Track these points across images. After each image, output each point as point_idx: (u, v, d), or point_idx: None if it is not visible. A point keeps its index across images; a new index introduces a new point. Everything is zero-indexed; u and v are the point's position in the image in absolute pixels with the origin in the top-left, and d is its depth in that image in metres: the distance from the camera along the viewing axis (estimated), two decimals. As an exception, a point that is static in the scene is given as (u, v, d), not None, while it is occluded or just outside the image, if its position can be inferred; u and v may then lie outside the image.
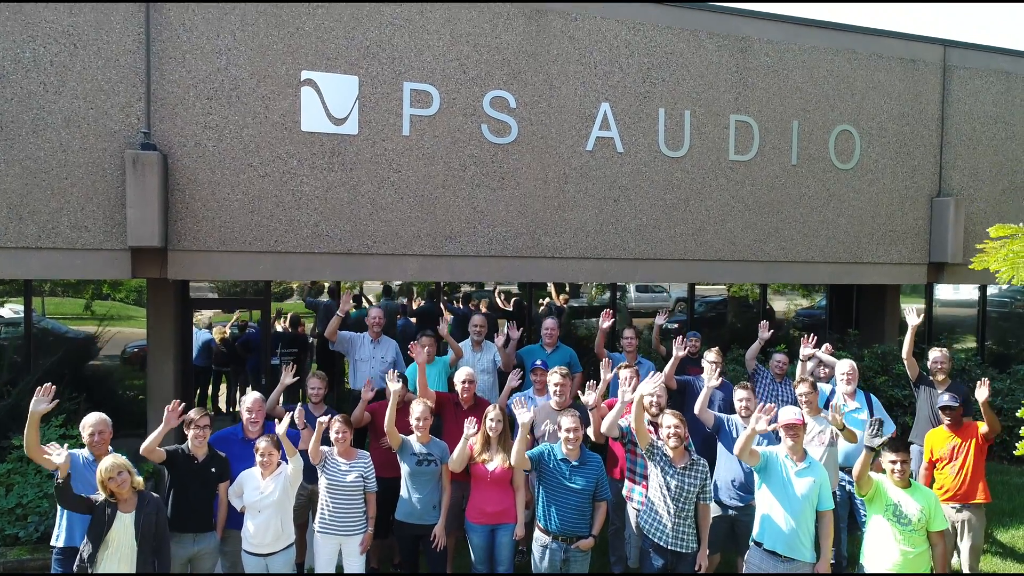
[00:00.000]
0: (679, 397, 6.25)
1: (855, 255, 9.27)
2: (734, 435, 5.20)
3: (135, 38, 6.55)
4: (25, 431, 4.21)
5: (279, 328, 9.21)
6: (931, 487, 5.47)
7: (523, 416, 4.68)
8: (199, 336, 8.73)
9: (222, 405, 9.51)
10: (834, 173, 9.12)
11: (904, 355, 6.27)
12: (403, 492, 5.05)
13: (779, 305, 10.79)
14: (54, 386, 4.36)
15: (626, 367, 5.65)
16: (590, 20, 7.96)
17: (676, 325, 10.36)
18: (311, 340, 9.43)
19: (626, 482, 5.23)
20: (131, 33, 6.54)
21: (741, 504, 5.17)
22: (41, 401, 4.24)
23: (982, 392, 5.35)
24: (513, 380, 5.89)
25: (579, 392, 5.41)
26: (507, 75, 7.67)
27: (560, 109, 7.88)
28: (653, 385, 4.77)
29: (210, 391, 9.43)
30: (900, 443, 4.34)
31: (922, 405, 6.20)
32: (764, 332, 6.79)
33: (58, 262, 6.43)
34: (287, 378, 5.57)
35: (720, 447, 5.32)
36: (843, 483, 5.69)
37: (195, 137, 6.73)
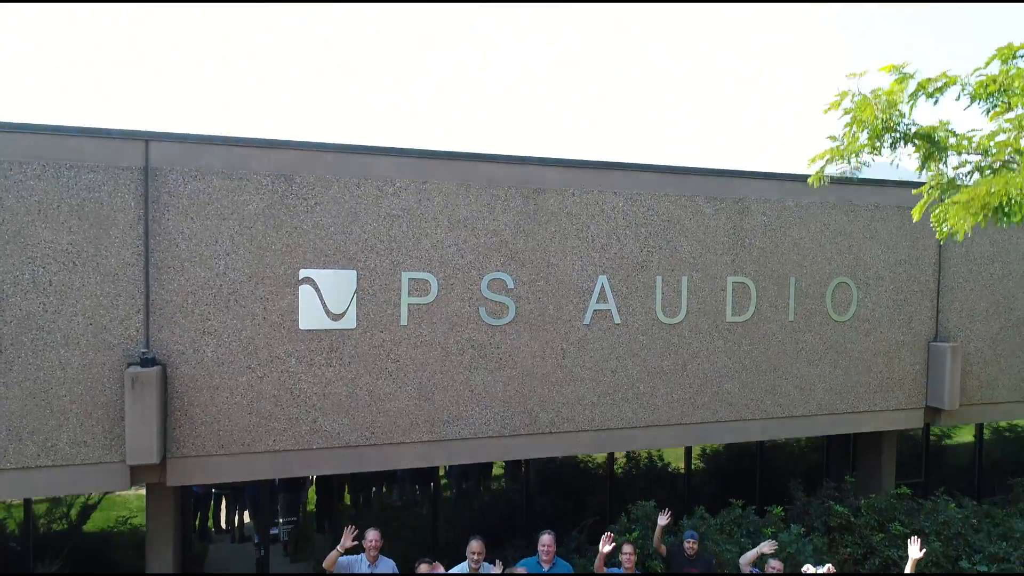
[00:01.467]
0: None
1: (852, 405, 9.30)
2: None
3: (134, 251, 6.57)
4: None
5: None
6: None
7: None
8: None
9: (223, 524, 9.59)
10: (831, 326, 9.14)
11: None
12: None
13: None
14: None
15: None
16: (587, 195, 7.99)
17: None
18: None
19: None
20: (130, 246, 6.56)
21: None
22: None
23: None
24: None
25: None
26: (505, 256, 7.70)
27: (558, 285, 7.91)
28: None
29: (211, 506, 9.51)
30: None
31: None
32: (768, 549, 6.82)
33: (57, 479, 6.45)
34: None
35: None
36: None
37: (194, 344, 6.76)
